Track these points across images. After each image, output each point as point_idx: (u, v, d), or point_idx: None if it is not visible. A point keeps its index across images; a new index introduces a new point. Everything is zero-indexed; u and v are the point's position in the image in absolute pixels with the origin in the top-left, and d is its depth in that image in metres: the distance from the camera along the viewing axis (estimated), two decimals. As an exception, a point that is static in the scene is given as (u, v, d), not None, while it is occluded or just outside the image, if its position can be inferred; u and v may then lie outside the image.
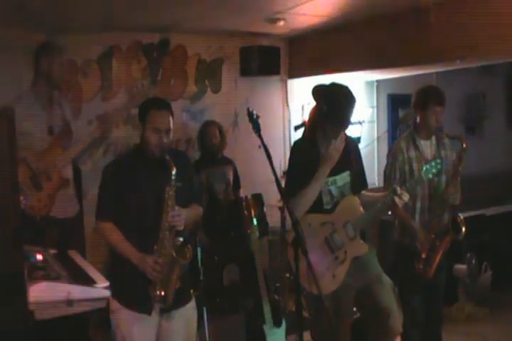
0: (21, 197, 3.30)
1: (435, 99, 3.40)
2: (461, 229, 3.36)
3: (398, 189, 2.92)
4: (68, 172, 3.58)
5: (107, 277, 2.78)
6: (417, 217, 3.45)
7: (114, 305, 2.61)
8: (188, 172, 2.76)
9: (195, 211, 2.78)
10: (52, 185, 3.46)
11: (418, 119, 3.48)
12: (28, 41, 3.88)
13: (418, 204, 3.44)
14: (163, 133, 2.57)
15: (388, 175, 3.46)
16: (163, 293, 2.51)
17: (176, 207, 2.54)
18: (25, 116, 3.42)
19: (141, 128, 2.62)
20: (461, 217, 3.41)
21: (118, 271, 2.65)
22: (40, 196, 3.41)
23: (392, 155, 3.47)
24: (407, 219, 3.42)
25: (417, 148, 3.45)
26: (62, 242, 3.32)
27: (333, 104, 2.85)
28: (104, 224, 2.61)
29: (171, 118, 2.62)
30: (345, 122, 2.90)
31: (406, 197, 2.93)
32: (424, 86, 3.58)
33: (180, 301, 2.64)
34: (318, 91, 2.97)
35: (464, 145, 3.38)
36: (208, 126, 4.70)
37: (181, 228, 2.56)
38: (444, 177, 3.47)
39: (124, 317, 2.58)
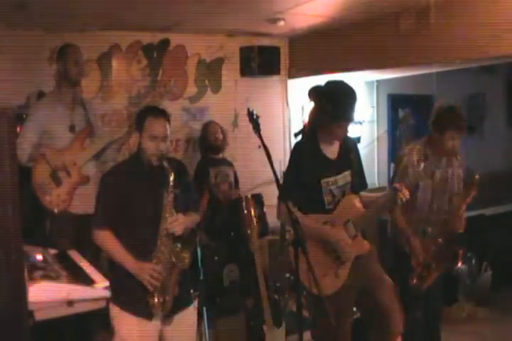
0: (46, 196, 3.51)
1: (454, 125, 3.29)
2: (458, 263, 3.36)
3: (398, 186, 2.91)
4: (89, 169, 3.69)
5: (110, 282, 2.78)
6: (413, 228, 3.42)
7: (115, 309, 2.60)
8: (184, 179, 2.75)
9: (192, 218, 2.77)
10: (72, 182, 3.58)
11: (434, 136, 3.36)
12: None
13: (415, 217, 3.41)
14: (160, 141, 2.58)
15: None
16: (162, 300, 2.52)
17: (174, 214, 2.54)
18: (48, 116, 3.57)
19: (138, 136, 2.64)
20: (462, 251, 3.38)
21: (118, 275, 2.64)
22: (59, 192, 3.54)
23: (404, 167, 3.35)
24: (408, 235, 3.37)
25: (428, 163, 3.36)
26: (80, 237, 3.40)
27: (335, 102, 2.84)
28: (102, 231, 2.61)
29: (167, 126, 2.63)
30: (350, 117, 2.89)
31: (407, 193, 2.90)
32: (445, 106, 3.42)
33: (181, 305, 2.64)
34: (316, 92, 2.95)
35: (477, 177, 3.29)
36: (209, 125, 4.74)
37: (180, 233, 2.56)
38: (446, 197, 3.45)
39: (125, 322, 2.57)
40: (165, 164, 2.54)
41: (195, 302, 2.79)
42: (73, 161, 3.59)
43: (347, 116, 2.88)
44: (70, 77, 3.66)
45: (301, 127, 3.15)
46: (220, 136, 4.68)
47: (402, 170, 3.37)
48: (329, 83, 2.95)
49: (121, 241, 2.57)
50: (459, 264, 3.37)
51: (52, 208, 3.53)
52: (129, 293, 2.58)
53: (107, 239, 2.60)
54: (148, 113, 2.65)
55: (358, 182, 3.09)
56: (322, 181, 2.92)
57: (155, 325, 2.58)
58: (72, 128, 3.64)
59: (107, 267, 2.74)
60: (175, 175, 2.55)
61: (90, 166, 3.70)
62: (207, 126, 4.74)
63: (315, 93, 2.95)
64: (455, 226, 3.37)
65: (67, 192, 3.56)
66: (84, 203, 3.59)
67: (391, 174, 5.21)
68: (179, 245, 2.55)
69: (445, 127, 3.29)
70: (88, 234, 3.52)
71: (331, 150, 2.99)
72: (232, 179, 4.71)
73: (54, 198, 3.52)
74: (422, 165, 3.36)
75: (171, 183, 2.53)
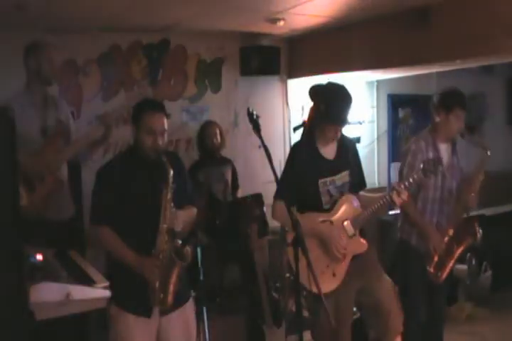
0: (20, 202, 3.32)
1: (460, 103, 3.37)
2: (478, 233, 3.34)
3: (397, 187, 2.91)
4: (63, 174, 3.54)
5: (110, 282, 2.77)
6: (427, 219, 3.42)
7: (113, 308, 2.60)
8: (181, 173, 2.74)
9: (190, 212, 2.76)
10: (46, 187, 3.39)
11: (438, 121, 3.41)
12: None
13: (429, 207, 3.42)
14: (157, 135, 2.56)
15: (406, 174, 3.34)
16: (162, 296, 2.51)
17: (173, 209, 2.54)
18: (18, 117, 3.36)
19: (136, 130, 2.61)
20: (477, 221, 3.39)
21: (116, 274, 2.63)
22: (32, 197, 3.33)
23: (412, 154, 3.37)
24: (422, 221, 3.36)
25: (435, 150, 3.39)
26: (57, 244, 3.32)
27: (330, 103, 2.86)
28: (100, 228, 2.59)
29: (165, 120, 2.61)
30: (343, 120, 2.89)
31: (405, 195, 2.91)
32: (449, 88, 3.54)
33: (179, 302, 2.64)
34: (315, 91, 2.97)
35: (488, 154, 3.34)
36: (208, 126, 4.69)
37: (179, 229, 2.56)
38: (454, 183, 3.45)
39: (123, 321, 2.57)
40: (164, 159, 2.52)
41: (191, 300, 2.78)
42: (47, 165, 3.38)
43: (339, 119, 2.88)
44: (43, 76, 3.46)
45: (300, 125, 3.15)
46: (218, 140, 4.62)
47: (412, 157, 3.35)
48: (328, 84, 2.96)
49: (120, 237, 2.56)
50: (479, 234, 3.33)
51: (26, 215, 3.28)
52: (127, 292, 2.57)
53: (105, 235, 2.58)
54: (145, 106, 2.63)
55: (357, 182, 3.10)
56: (320, 181, 2.92)
57: (153, 322, 2.58)
58: (44, 131, 3.43)
59: (106, 266, 2.72)
60: (173, 170, 2.53)
61: (64, 170, 3.56)
62: (205, 128, 4.68)
63: (314, 92, 2.97)
64: (469, 203, 3.38)
65: (41, 198, 3.35)
66: (59, 208, 3.49)
67: (391, 173, 5.21)
68: (179, 241, 2.55)
69: (451, 105, 3.36)
70: (65, 239, 3.42)
71: (329, 151, 2.99)
72: (228, 178, 4.69)
73: (27, 204, 3.28)
74: (431, 152, 3.36)
75: (171, 179, 2.51)
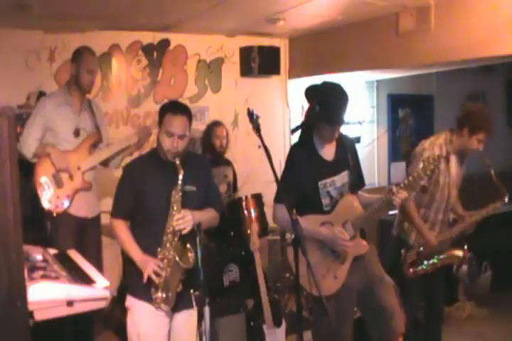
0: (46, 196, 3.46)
1: (488, 129, 3.26)
2: (461, 264, 3.40)
3: (394, 188, 2.89)
4: (92, 176, 3.68)
5: (125, 273, 2.81)
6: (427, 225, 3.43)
7: (132, 301, 2.66)
8: (203, 176, 2.77)
9: (209, 214, 2.77)
10: (73, 186, 3.56)
11: (459, 135, 3.31)
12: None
13: (431, 215, 3.43)
14: (176, 138, 2.57)
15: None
16: (164, 295, 2.52)
17: (182, 211, 2.54)
18: (52, 113, 3.50)
19: (158, 131, 2.65)
20: (467, 254, 3.43)
21: (134, 265, 2.65)
22: (59, 193, 3.51)
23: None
24: (419, 221, 3.37)
25: (447, 161, 3.35)
26: (77, 240, 3.45)
27: (325, 102, 2.82)
28: (116, 220, 2.68)
29: (187, 124, 2.61)
30: (339, 120, 2.85)
31: (402, 195, 2.89)
32: (478, 107, 3.44)
33: (192, 303, 2.65)
34: (310, 91, 2.94)
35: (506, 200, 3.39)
36: (217, 126, 4.61)
37: (186, 232, 2.55)
38: (454, 191, 3.46)
39: (138, 308, 2.63)
40: (177, 161, 2.53)
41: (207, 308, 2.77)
42: (77, 165, 3.56)
43: (335, 118, 2.85)
44: (80, 84, 3.58)
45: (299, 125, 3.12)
46: (226, 142, 4.59)
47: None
48: (323, 84, 2.93)
49: (133, 233, 2.63)
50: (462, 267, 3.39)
51: (50, 208, 3.49)
52: (142, 282, 2.58)
53: (118, 228, 2.66)
54: (168, 108, 2.65)
55: (356, 181, 3.08)
56: (319, 183, 2.90)
57: (166, 316, 2.62)
58: (76, 132, 3.58)
59: (123, 256, 2.75)
60: (191, 172, 2.56)
61: (94, 173, 3.69)
62: (214, 129, 4.60)
63: (308, 93, 2.95)
64: (466, 227, 3.45)
65: (67, 195, 3.53)
66: (85, 207, 3.62)
67: (391, 173, 5.19)
68: (184, 244, 2.55)
69: (479, 128, 3.24)
70: (87, 235, 3.57)
71: (328, 152, 2.96)
72: (231, 179, 4.69)
73: (53, 199, 3.49)
74: (442, 163, 3.29)
75: (180, 181, 2.53)
